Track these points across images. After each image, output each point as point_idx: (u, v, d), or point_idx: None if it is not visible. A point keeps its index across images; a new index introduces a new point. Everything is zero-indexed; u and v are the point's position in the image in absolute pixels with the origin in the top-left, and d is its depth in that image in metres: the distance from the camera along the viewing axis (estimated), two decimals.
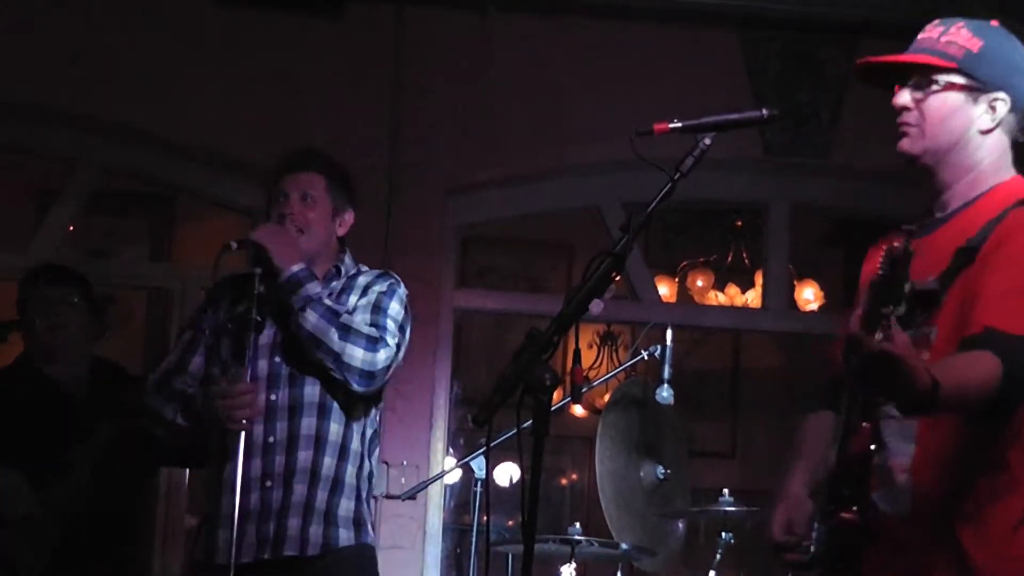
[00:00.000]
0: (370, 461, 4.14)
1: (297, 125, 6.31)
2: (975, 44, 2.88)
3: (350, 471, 4.06)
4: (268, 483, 3.98)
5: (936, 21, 2.96)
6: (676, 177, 2.82)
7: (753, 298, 8.34)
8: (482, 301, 7.09)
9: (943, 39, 2.91)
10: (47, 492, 4.70)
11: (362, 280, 4.19)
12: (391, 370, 4.06)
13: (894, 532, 2.77)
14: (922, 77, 2.90)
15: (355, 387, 3.98)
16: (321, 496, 3.99)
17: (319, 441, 4.01)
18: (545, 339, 2.69)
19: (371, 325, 4.03)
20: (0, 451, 4.72)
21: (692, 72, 6.46)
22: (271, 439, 4.00)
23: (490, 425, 2.69)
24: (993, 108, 2.89)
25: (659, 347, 5.21)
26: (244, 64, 6.39)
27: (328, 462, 4.01)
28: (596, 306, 2.75)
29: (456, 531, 7.36)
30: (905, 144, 2.91)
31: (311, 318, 3.95)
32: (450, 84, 6.49)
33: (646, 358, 5.25)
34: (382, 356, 3.99)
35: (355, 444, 4.08)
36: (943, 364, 2.55)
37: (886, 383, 2.51)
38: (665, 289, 8.24)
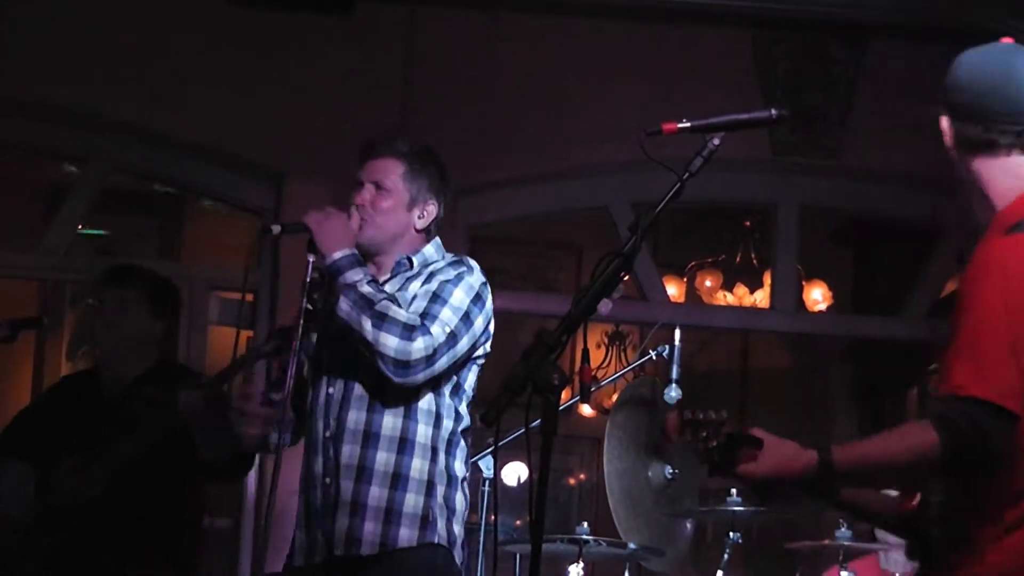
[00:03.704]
0: (447, 457, 3.89)
1: (306, 125, 6.31)
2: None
3: (416, 465, 3.81)
4: (327, 479, 3.83)
5: None
6: (685, 177, 2.81)
7: (761, 298, 8.33)
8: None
9: None
10: (57, 489, 4.66)
11: (433, 267, 3.97)
12: (438, 359, 3.78)
13: None
14: None
15: (391, 377, 3.73)
16: (376, 492, 3.78)
17: (367, 436, 3.81)
18: (554, 339, 2.69)
19: (422, 313, 3.79)
20: (35, 449, 4.69)
21: (701, 72, 6.46)
22: (327, 433, 3.85)
23: (498, 424, 2.68)
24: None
25: (667, 347, 5.19)
26: (253, 64, 6.40)
27: (383, 457, 3.79)
28: (604, 306, 2.74)
29: (464, 530, 7.35)
30: None
31: (344, 306, 3.75)
32: (459, 84, 6.49)
33: (654, 358, 5.24)
34: (419, 345, 3.72)
35: (421, 438, 3.83)
36: (858, 442, 2.65)
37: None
38: (673, 289, 8.22)
